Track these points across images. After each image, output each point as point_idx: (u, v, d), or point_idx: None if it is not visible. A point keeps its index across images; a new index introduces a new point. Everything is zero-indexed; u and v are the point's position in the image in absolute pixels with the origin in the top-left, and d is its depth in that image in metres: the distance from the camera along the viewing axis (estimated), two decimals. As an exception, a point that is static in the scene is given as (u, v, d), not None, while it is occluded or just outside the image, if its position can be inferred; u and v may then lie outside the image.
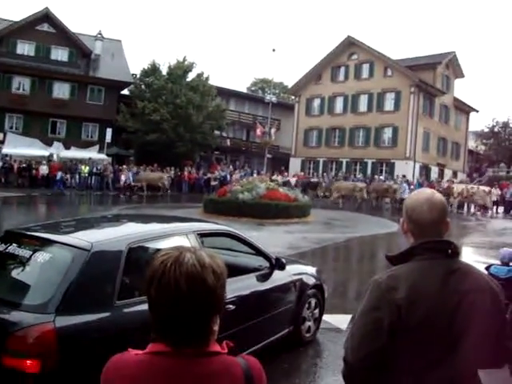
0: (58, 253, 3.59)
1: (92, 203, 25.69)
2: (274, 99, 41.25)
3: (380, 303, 1.80)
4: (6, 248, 3.77)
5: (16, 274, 3.74)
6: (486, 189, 29.66)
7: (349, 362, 1.83)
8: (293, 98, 51.40)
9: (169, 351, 1.32)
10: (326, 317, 6.37)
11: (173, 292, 1.28)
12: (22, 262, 3.67)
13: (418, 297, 1.77)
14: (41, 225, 4.77)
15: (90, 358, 3.16)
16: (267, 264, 5.33)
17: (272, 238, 14.23)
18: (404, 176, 34.26)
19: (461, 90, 49.52)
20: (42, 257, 3.59)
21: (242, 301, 4.50)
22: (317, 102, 45.02)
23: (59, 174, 30.10)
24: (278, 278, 5.32)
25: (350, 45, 42.47)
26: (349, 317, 6.74)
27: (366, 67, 41.79)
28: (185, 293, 1.28)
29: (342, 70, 43.34)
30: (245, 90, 62.22)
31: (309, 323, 5.89)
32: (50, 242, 3.70)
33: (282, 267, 5.33)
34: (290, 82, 55.93)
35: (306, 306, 5.83)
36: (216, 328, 1.38)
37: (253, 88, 71.19)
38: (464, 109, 48.14)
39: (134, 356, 1.36)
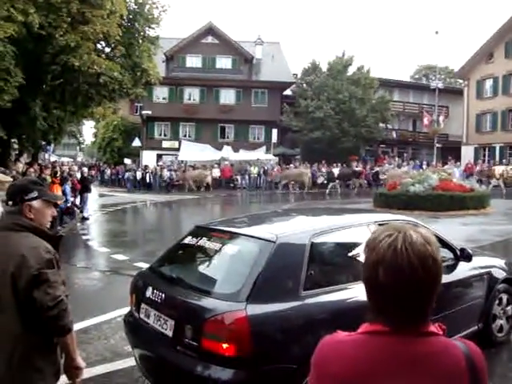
0: (245, 245, 3.81)
1: (262, 202, 26.73)
2: (440, 85, 39.00)
3: None
4: (198, 241, 4.10)
5: (207, 264, 4.08)
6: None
7: None
8: (461, 81, 48.09)
9: (387, 331, 1.30)
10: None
11: (407, 274, 1.26)
12: (212, 254, 3.98)
13: None
14: (225, 220, 5.10)
15: (279, 345, 3.32)
16: (451, 255, 5.02)
17: (447, 230, 13.31)
18: None
19: None
20: (230, 249, 3.85)
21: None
22: (489, 83, 41.41)
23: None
24: (463, 270, 4.97)
25: (527, 14, 38.34)
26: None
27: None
28: (420, 273, 1.26)
29: (519, 43, 39.28)
30: (408, 79, 59.85)
31: (500, 321, 5.40)
32: (237, 235, 3.95)
33: (467, 259, 4.98)
34: (456, 66, 52.33)
35: (497, 302, 5.36)
36: (433, 307, 1.34)
37: (416, 76, 68.13)
38: None
39: (347, 337, 1.37)
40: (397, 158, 39.21)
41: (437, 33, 37.11)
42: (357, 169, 33.10)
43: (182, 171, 33.49)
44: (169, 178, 33.22)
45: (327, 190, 29.35)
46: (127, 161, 38.46)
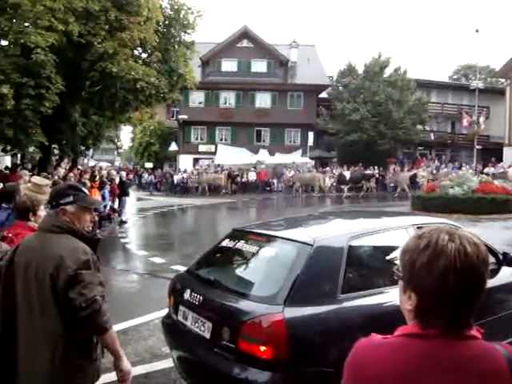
0: (283, 248, 3.80)
1: (298, 205, 26.63)
2: (480, 85, 38.07)
3: None
4: (235, 244, 4.13)
5: (245, 267, 4.10)
6: None
7: None
8: (502, 81, 46.86)
9: (431, 334, 1.28)
10: None
11: (476, 278, 1.27)
12: (250, 257, 4.00)
13: None
14: (262, 223, 5.11)
15: (316, 349, 3.29)
16: (493, 259, 4.88)
17: (488, 235, 13.07)
18: None
19: None
20: (267, 252, 3.86)
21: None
22: (533, 82, 40.14)
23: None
24: (506, 275, 4.79)
25: None
26: None
27: None
28: (485, 277, 1.29)
29: None
30: (446, 79, 58.73)
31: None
32: (275, 238, 3.95)
33: (511, 263, 4.84)
34: (497, 65, 50.97)
35: (542, 309, 5.17)
36: None
37: (455, 76, 66.77)
38: None
39: (384, 339, 1.35)
40: (436, 161, 38.49)
41: (477, 31, 36.16)
42: (367, 172, 32.97)
43: (198, 174, 33.95)
44: (181, 181, 33.86)
45: (344, 194, 29.56)
46: (148, 165, 39.38)
